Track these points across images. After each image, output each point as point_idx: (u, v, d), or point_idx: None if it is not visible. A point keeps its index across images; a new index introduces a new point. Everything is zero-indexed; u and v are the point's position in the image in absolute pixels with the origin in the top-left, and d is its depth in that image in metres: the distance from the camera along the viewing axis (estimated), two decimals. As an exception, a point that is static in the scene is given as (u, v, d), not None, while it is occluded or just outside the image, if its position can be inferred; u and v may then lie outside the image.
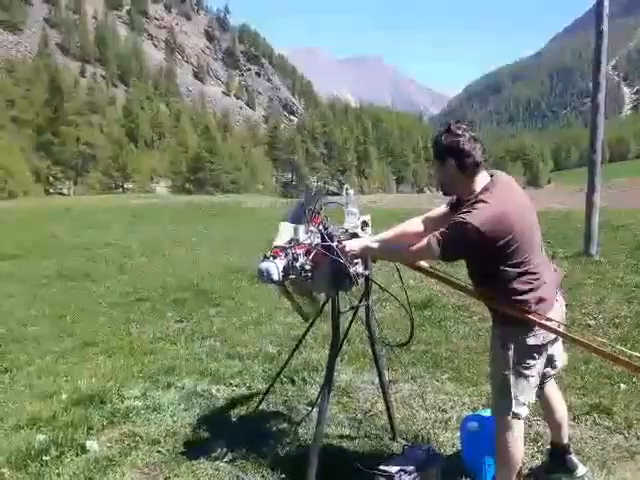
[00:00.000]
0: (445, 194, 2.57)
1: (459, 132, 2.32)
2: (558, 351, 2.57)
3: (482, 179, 2.36)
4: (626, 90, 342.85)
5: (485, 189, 2.32)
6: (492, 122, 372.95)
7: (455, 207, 2.52)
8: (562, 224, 11.56)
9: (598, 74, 8.22)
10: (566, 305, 2.61)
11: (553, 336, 2.41)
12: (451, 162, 2.33)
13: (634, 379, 3.79)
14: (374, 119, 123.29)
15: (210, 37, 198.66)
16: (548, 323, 2.33)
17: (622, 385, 3.76)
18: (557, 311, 2.44)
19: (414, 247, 2.45)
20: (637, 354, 2.36)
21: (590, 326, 5.05)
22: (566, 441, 2.75)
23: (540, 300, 2.34)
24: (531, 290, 2.33)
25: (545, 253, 2.48)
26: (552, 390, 2.69)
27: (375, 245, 2.63)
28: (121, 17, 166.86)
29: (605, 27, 8.13)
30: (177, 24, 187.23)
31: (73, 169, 68.29)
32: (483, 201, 2.24)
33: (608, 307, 5.60)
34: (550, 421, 2.78)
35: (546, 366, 2.50)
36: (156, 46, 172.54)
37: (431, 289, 6.62)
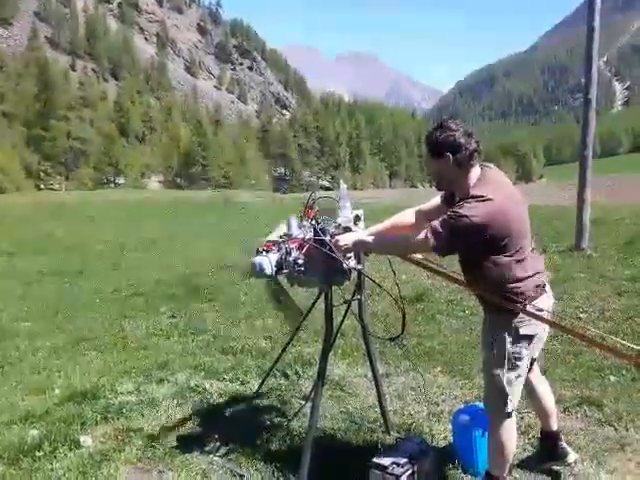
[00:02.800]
0: (439, 189, 2.59)
1: (453, 127, 2.34)
2: (542, 342, 2.61)
3: (476, 173, 2.39)
4: (618, 86, 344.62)
5: (479, 182, 2.34)
6: (484, 117, 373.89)
7: (449, 200, 2.54)
8: (554, 219, 11.63)
9: (590, 70, 8.25)
10: (557, 299, 2.64)
11: (544, 326, 2.44)
12: (448, 157, 2.34)
13: (624, 371, 3.83)
14: (367, 114, 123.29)
15: (202, 31, 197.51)
16: (539, 313, 2.36)
17: (612, 377, 3.80)
18: (546, 301, 2.47)
19: (409, 240, 2.47)
20: (628, 344, 2.37)
21: (581, 319, 5.09)
22: (555, 428, 2.78)
23: (531, 289, 2.38)
24: (523, 279, 2.36)
25: (534, 243, 2.51)
26: (538, 379, 2.72)
27: (368, 239, 2.64)
28: (112, 10, 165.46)
29: (597, 23, 8.16)
30: (169, 18, 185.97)
31: (64, 164, 67.79)
32: (479, 194, 2.26)
33: (599, 300, 5.65)
34: (538, 410, 2.81)
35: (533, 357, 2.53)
36: (147, 40, 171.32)
37: (424, 283, 6.65)
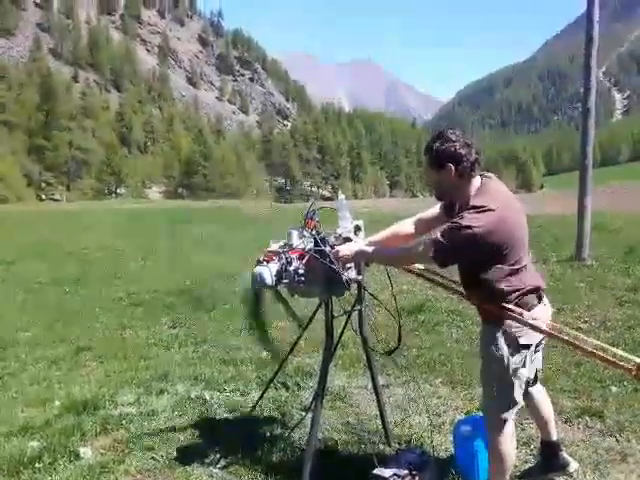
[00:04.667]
0: (440, 199, 2.59)
1: (453, 138, 2.34)
2: (541, 352, 2.60)
3: (476, 183, 2.39)
4: (617, 95, 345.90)
5: (479, 192, 2.35)
6: (484, 127, 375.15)
7: (448, 209, 2.54)
8: (554, 228, 11.63)
9: (589, 79, 8.30)
10: (558, 309, 2.64)
11: (542, 336, 2.43)
12: (450, 168, 2.34)
13: (625, 382, 3.81)
14: (367, 124, 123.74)
15: (203, 42, 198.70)
16: (537, 323, 2.36)
17: (613, 388, 3.78)
18: (544, 311, 2.47)
19: (410, 251, 2.47)
20: (628, 355, 2.36)
21: (581, 329, 5.07)
22: (555, 438, 2.77)
23: (530, 298, 2.38)
24: (522, 288, 2.36)
25: (530, 254, 2.51)
26: (536, 388, 2.72)
27: (369, 249, 2.64)
28: (114, 22, 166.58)
29: (595, 32, 8.22)
30: (170, 29, 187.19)
31: (65, 174, 67.99)
32: (480, 205, 2.26)
33: (599, 310, 5.63)
34: (537, 420, 2.80)
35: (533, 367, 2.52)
36: (149, 51, 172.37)
37: (424, 294, 6.63)
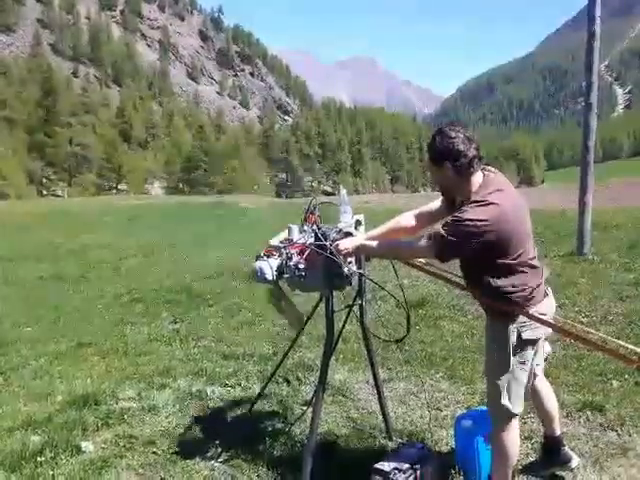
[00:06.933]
0: (444, 195, 2.58)
1: (452, 134, 2.31)
2: (544, 345, 2.60)
3: (477, 178, 2.37)
4: (619, 90, 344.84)
5: (482, 187, 2.33)
6: (485, 122, 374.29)
7: (450, 203, 2.53)
8: (556, 223, 11.60)
9: (590, 75, 8.25)
10: (559, 304, 2.63)
11: (545, 330, 2.43)
12: (448, 165, 2.32)
13: (626, 376, 3.81)
14: (368, 120, 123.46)
15: (204, 37, 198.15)
16: (542, 317, 2.35)
17: (614, 382, 3.78)
18: (549, 305, 2.47)
19: (412, 245, 2.46)
20: (632, 347, 2.36)
21: (583, 324, 5.06)
22: (558, 433, 2.77)
23: (532, 294, 2.37)
24: (525, 283, 2.35)
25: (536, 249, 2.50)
26: (541, 383, 2.71)
27: (370, 243, 2.63)
28: (114, 17, 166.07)
29: (597, 28, 8.16)
30: (171, 24, 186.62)
31: (66, 170, 67.94)
32: (482, 199, 2.25)
33: (601, 305, 5.62)
34: (541, 414, 2.80)
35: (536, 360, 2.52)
36: (150, 46, 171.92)
37: (426, 288, 6.62)
